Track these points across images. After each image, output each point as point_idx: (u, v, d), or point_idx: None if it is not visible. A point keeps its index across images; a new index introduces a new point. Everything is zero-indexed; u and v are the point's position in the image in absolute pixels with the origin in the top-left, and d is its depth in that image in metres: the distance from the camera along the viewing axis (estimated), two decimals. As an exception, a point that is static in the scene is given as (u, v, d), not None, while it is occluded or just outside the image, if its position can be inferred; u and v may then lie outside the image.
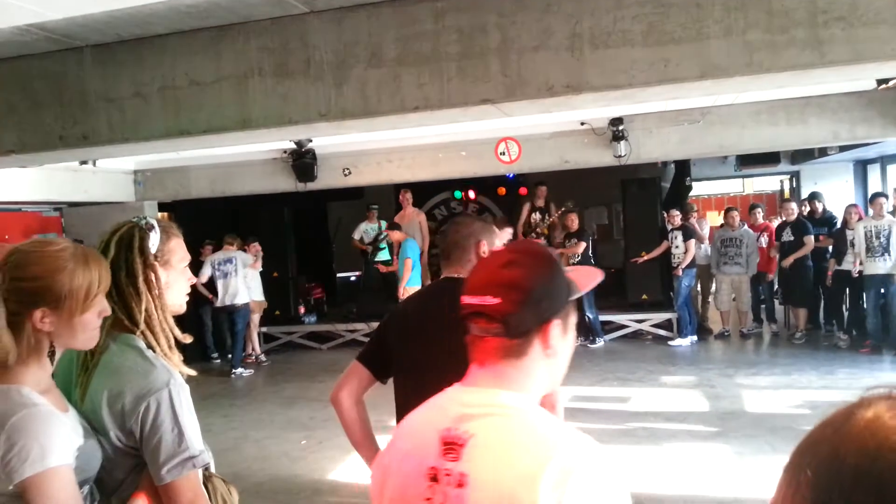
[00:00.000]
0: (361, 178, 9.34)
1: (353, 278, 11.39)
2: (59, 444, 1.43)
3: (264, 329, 10.21)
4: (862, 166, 12.26)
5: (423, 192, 10.99)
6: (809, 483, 0.55)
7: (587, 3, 3.42)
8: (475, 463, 1.07)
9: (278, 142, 7.44)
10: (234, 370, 9.11)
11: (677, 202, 10.59)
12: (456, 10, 3.58)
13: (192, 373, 1.74)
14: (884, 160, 11.35)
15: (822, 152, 10.09)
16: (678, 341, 9.10)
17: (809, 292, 9.01)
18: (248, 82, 3.96)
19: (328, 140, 7.82)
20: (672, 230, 9.32)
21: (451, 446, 1.10)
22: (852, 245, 8.11)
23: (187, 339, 1.82)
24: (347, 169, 9.20)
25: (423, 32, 3.63)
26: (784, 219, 9.16)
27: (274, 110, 3.93)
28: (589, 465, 1.03)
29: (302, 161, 8.89)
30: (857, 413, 0.56)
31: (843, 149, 9.50)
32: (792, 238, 8.83)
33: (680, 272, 9.04)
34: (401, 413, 2.28)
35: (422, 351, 2.21)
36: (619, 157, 8.31)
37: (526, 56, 3.54)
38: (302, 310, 10.54)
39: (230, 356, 9.37)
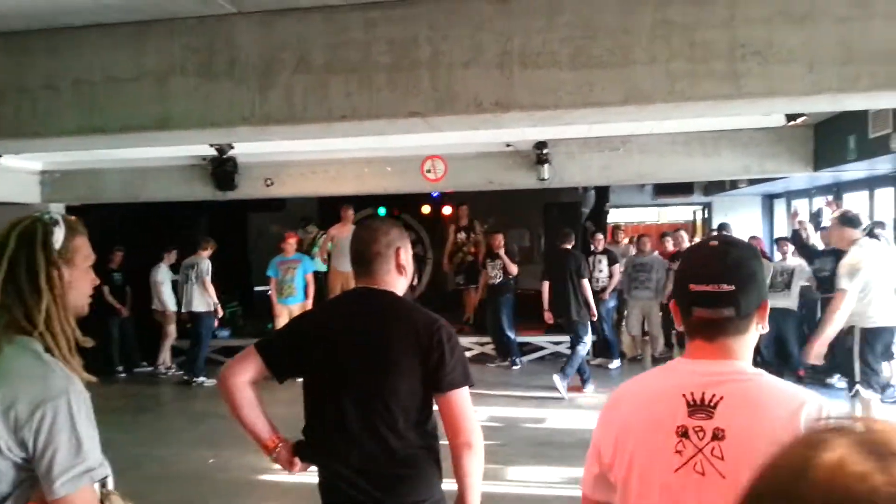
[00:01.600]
0: (284, 190, 9.17)
1: (270, 292, 11.11)
2: None
3: (174, 342, 9.83)
4: (769, 200, 12.92)
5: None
6: None
7: (518, 22, 3.46)
8: (730, 419, 1.32)
9: (198, 147, 7.21)
10: (194, 378, 8.87)
11: (598, 227, 10.86)
12: (388, 21, 3.56)
13: (93, 379, 1.63)
14: (789, 195, 11.98)
15: (733, 185, 10.58)
16: (615, 363, 9.34)
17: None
18: (169, 81, 3.81)
19: (250, 148, 7.63)
20: (596, 254, 9.50)
21: (701, 408, 1.35)
22: None
23: (88, 342, 1.70)
24: (269, 179, 9.00)
25: (353, 41, 3.58)
26: (676, 249, 9.52)
27: (196, 111, 3.79)
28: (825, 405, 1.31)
29: (222, 169, 8.65)
30: (817, 457, 0.52)
31: (752, 182, 9.98)
32: None
33: (606, 296, 9.24)
34: (313, 417, 2.20)
35: (345, 357, 2.12)
36: (543, 179, 8.46)
37: (456, 71, 3.54)
38: (216, 323, 10.18)
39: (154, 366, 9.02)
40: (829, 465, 0.51)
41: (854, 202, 9.69)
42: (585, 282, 8.00)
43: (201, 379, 8.90)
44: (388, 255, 2.20)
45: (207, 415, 7.37)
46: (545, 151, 8.31)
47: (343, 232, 9.36)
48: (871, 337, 5.18)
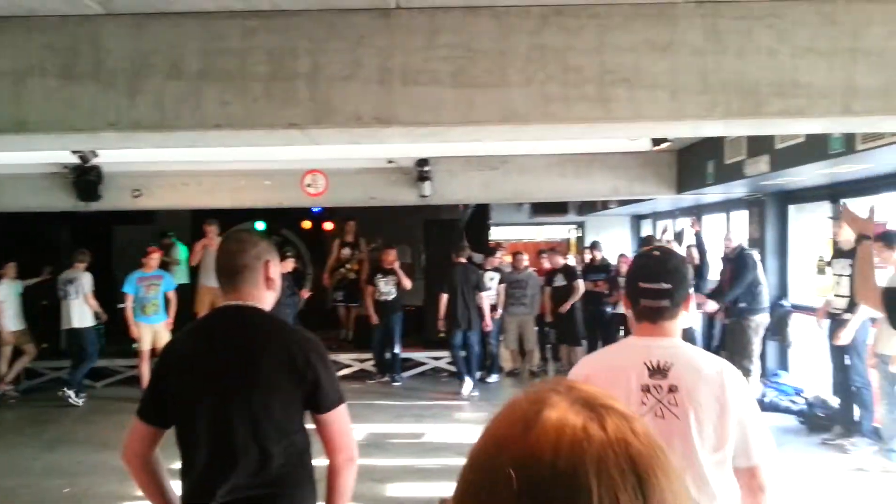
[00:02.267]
0: (153, 202, 8.72)
1: (126, 309, 10.51)
2: None
3: (28, 363, 9.10)
4: (637, 220, 13.65)
5: (222, 221, 10.44)
6: (512, 481, 0.58)
7: (399, 39, 3.48)
8: (680, 378, 1.89)
9: (58, 154, 6.74)
10: (67, 393, 8.38)
11: (477, 244, 11.04)
12: (266, 31, 3.48)
13: None
14: (655, 216, 12.71)
15: (604, 205, 11.11)
16: (494, 377, 9.53)
17: (583, 331, 9.73)
18: (26, 81, 3.54)
19: (117, 157, 7.22)
20: (487, 271, 9.63)
21: (658, 371, 1.90)
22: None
23: None
24: (138, 190, 8.54)
25: (229, 49, 3.47)
26: (551, 266, 9.85)
27: (56, 115, 3.54)
28: (734, 368, 1.99)
29: (85, 178, 8.11)
30: (543, 411, 0.61)
31: (621, 203, 10.53)
32: (564, 283, 9.49)
33: (497, 314, 9.43)
34: (189, 457, 2.09)
35: (216, 380, 2.04)
36: (424, 196, 8.54)
37: (336, 84, 3.51)
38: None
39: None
40: (555, 417, 0.60)
41: (712, 223, 10.42)
42: (483, 295, 8.78)
43: (71, 392, 8.37)
44: (256, 268, 2.13)
45: (62, 441, 6.87)
46: (427, 169, 8.40)
47: (211, 247, 9.09)
48: None
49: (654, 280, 1.96)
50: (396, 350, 9.36)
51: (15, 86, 3.56)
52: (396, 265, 9.31)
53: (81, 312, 8.56)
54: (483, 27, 3.46)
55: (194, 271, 9.28)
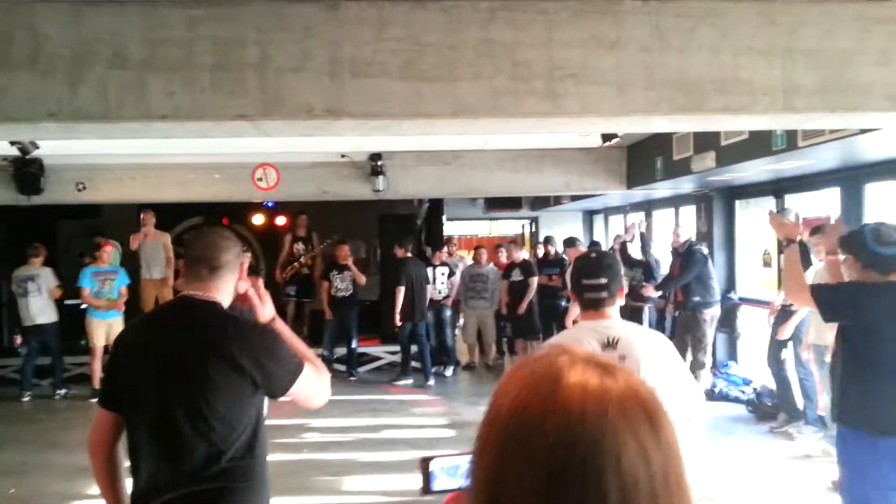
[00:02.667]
0: (98, 195, 8.51)
1: (84, 303, 10.24)
2: None
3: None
4: (589, 216, 13.83)
5: (170, 215, 10.20)
6: (546, 435, 0.68)
7: (348, 31, 3.45)
8: (627, 349, 2.31)
9: (-2, 146, 6.53)
10: (56, 392, 8.35)
11: (432, 239, 11.07)
12: (212, 20, 3.41)
13: None
14: (607, 211, 12.89)
15: (557, 201, 11.22)
16: (450, 370, 9.58)
17: (539, 327, 9.81)
18: (-44, 69, 3.41)
19: (60, 149, 7.01)
20: (436, 266, 9.73)
21: (610, 345, 2.31)
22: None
23: None
24: (82, 183, 8.32)
25: (174, 38, 3.40)
26: (510, 260, 9.87)
27: (-11, 104, 3.43)
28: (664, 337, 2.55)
29: (26, 171, 7.87)
30: (565, 370, 0.73)
31: (574, 199, 10.65)
32: (521, 278, 9.55)
33: (449, 303, 9.56)
34: (136, 450, 2.08)
35: (166, 373, 2.03)
36: (378, 191, 8.51)
37: (286, 76, 3.46)
38: (18, 340, 9.22)
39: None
40: (576, 377, 0.72)
41: (662, 218, 10.62)
42: (429, 288, 9.13)
43: (64, 390, 8.45)
44: (235, 266, 2.21)
45: (7, 441, 6.67)
46: (380, 163, 8.37)
47: (149, 239, 9.04)
48: None
49: (594, 276, 2.44)
50: (353, 345, 9.32)
51: (-56, 74, 3.44)
52: (350, 261, 9.27)
53: (45, 308, 8.37)
54: (432, 20, 3.46)
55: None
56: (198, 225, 11.39)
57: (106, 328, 8.18)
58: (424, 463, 1.19)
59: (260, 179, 8.44)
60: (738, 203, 8.62)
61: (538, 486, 0.68)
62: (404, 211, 10.98)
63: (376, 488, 5.32)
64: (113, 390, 2.16)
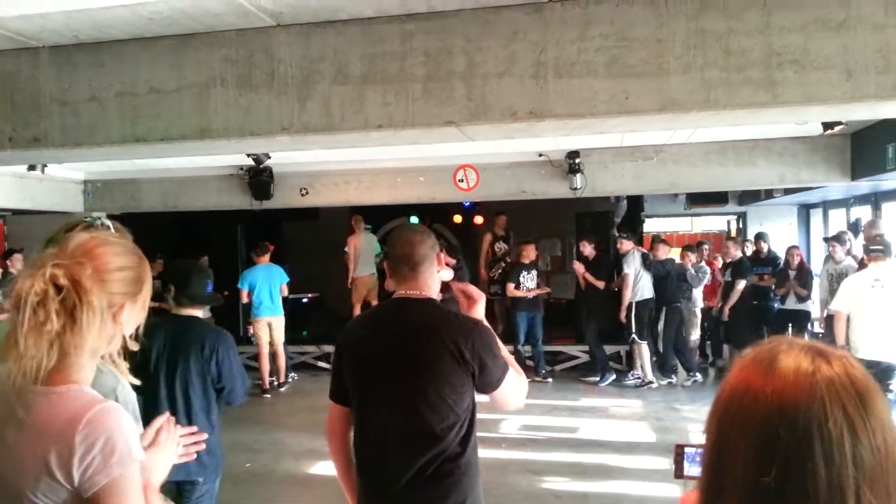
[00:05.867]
0: (318, 199, 9.28)
1: (304, 300, 11.22)
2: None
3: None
4: (805, 210, 12.71)
5: (378, 217, 10.92)
6: (760, 405, 0.77)
7: (552, 32, 3.49)
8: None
9: (235, 156, 7.35)
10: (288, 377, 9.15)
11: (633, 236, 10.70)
12: (424, 33, 3.61)
13: (137, 382, 1.68)
14: (826, 205, 11.78)
15: (769, 195, 10.42)
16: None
17: (750, 331, 9.11)
18: (209, 92, 3.91)
19: (286, 158, 7.76)
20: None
21: None
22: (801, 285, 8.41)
23: (135, 346, 1.77)
24: (305, 189, 9.13)
25: (390, 52, 3.64)
26: (728, 259, 9.23)
27: (235, 121, 3.88)
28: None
29: (259, 178, 8.79)
30: (781, 354, 0.80)
31: (787, 192, 9.83)
32: (729, 279, 8.94)
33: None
34: (360, 439, 2.27)
35: (391, 367, 2.19)
36: (575, 189, 8.45)
37: (491, 81, 3.58)
38: (251, 330, 10.28)
39: None
40: (790, 360, 0.79)
41: (893, 212, 9.51)
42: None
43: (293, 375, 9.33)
44: (432, 258, 2.28)
45: (243, 420, 7.45)
46: (577, 161, 8.30)
47: (359, 241, 9.85)
48: None
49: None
50: (538, 345, 9.23)
51: (199, 97, 3.94)
52: (535, 260, 9.30)
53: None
54: (638, 15, 3.40)
55: None
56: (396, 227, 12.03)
57: (266, 326, 8.82)
58: (679, 449, 1.28)
59: (461, 180, 8.74)
60: None
61: (753, 448, 0.76)
62: (601, 208, 10.81)
63: (575, 490, 5.30)
64: (341, 384, 2.29)
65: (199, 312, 3.36)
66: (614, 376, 8.88)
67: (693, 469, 1.27)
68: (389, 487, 2.15)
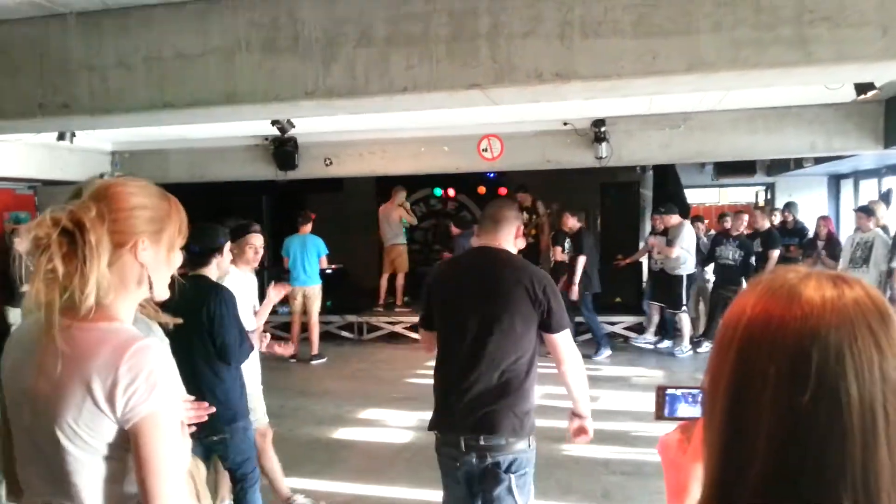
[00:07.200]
0: (343, 169, 9.29)
1: (328, 271, 11.27)
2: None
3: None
4: (836, 181, 12.49)
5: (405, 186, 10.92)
6: (787, 330, 0.77)
7: (579, -9, 3.44)
8: None
9: (260, 127, 7.37)
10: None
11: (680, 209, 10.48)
12: (448, -8, 3.58)
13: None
14: (857, 175, 11.56)
15: (798, 165, 10.24)
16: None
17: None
18: (234, 57, 3.91)
19: (310, 128, 7.76)
20: (657, 234, 9.10)
21: None
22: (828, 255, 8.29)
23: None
24: (329, 159, 9.14)
25: (414, 14, 3.62)
26: (754, 229, 9.11)
27: (260, 86, 3.89)
28: None
29: (283, 149, 8.82)
30: (802, 280, 0.81)
31: (818, 162, 9.65)
32: (760, 250, 8.83)
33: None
34: (440, 359, 2.76)
35: (469, 300, 2.63)
36: (601, 158, 8.36)
37: (516, 42, 3.54)
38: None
39: None
40: (812, 288, 0.80)
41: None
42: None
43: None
44: (513, 223, 2.74)
45: (269, 387, 7.57)
46: (603, 129, 8.20)
47: (392, 211, 9.99)
48: None
49: None
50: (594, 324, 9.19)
51: (225, 61, 3.95)
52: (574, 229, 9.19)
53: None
54: (667, -29, 3.33)
55: None
56: (425, 197, 12.06)
57: (301, 295, 8.83)
58: (660, 390, 1.26)
59: (485, 150, 8.69)
60: None
61: (784, 372, 0.76)
62: (626, 179, 10.70)
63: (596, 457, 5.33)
64: (429, 314, 2.79)
65: (209, 271, 3.38)
66: (610, 351, 8.81)
67: (684, 410, 1.26)
68: (460, 400, 2.58)
